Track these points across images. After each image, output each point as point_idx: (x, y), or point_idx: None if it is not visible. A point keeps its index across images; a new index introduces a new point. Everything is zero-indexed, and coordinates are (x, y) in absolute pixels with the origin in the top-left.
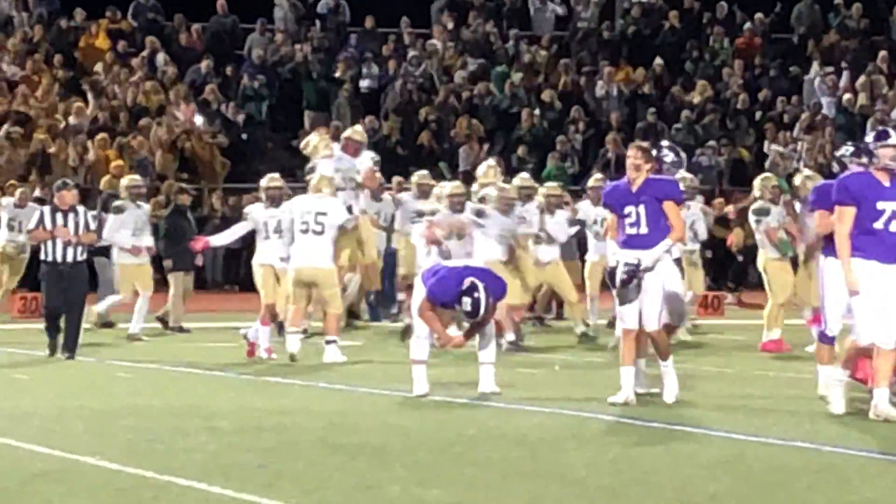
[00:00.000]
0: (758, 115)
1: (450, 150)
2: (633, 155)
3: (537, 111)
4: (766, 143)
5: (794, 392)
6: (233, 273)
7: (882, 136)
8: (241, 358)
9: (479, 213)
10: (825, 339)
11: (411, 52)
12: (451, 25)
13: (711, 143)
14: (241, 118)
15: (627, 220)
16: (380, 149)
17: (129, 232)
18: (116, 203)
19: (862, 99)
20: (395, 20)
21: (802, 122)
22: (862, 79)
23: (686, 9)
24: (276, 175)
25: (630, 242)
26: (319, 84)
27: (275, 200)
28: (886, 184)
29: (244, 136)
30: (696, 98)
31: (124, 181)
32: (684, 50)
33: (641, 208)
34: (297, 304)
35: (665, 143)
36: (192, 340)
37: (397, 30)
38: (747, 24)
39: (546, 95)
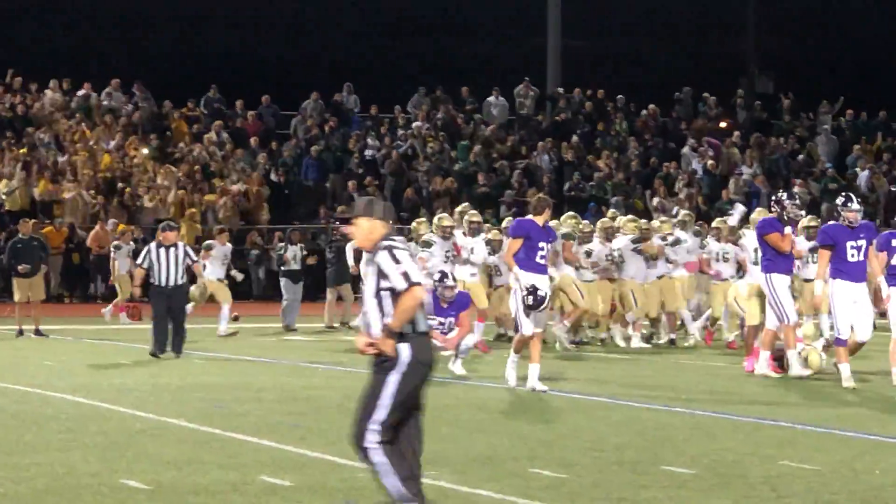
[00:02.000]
0: (647, 176)
1: (428, 201)
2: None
3: (491, 174)
4: (654, 198)
5: (679, 374)
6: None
7: (847, 201)
8: (279, 349)
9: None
10: (840, 342)
11: (401, 131)
12: (429, 111)
13: (616, 198)
14: (282, 178)
15: (540, 252)
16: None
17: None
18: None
19: (721, 166)
20: (391, 108)
21: (680, 182)
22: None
23: (598, 100)
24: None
25: (540, 269)
26: (336, 154)
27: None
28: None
29: (286, 191)
30: (603, 164)
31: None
32: (596, 129)
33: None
34: None
35: (785, 195)
36: (247, 337)
37: (392, 115)
38: (642, 112)
39: (496, 163)
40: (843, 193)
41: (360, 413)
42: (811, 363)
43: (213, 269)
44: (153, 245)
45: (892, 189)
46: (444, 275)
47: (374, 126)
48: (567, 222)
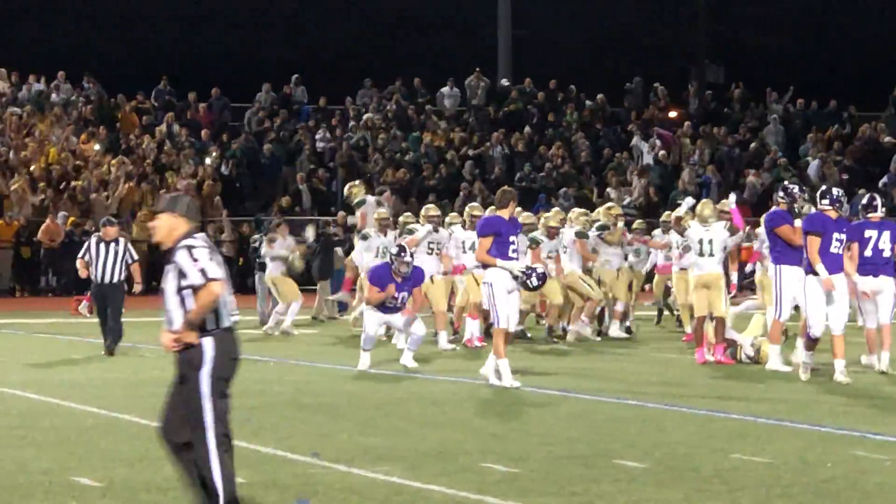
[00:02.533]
0: (598, 167)
1: (380, 193)
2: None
3: (442, 166)
4: (606, 189)
5: (630, 366)
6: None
7: (823, 194)
8: None
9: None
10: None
11: (351, 123)
12: (379, 103)
13: (567, 189)
14: (233, 171)
15: (511, 246)
16: (321, 193)
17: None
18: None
19: (672, 157)
20: (342, 100)
21: (631, 172)
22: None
23: (549, 90)
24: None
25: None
26: (288, 146)
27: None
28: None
29: (238, 184)
30: (555, 154)
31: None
32: (547, 120)
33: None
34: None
35: (795, 187)
36: None
37: (342, 107)
38: (589, 102)
39: (448, 155)
40: (824, 187)
41: (170, 408)
42: (763, 354)
43: (274, 265)
44: (94, 239)
45: (844, 178)
46: (401, 249)
47: (325, 118)
48: (579, 219)
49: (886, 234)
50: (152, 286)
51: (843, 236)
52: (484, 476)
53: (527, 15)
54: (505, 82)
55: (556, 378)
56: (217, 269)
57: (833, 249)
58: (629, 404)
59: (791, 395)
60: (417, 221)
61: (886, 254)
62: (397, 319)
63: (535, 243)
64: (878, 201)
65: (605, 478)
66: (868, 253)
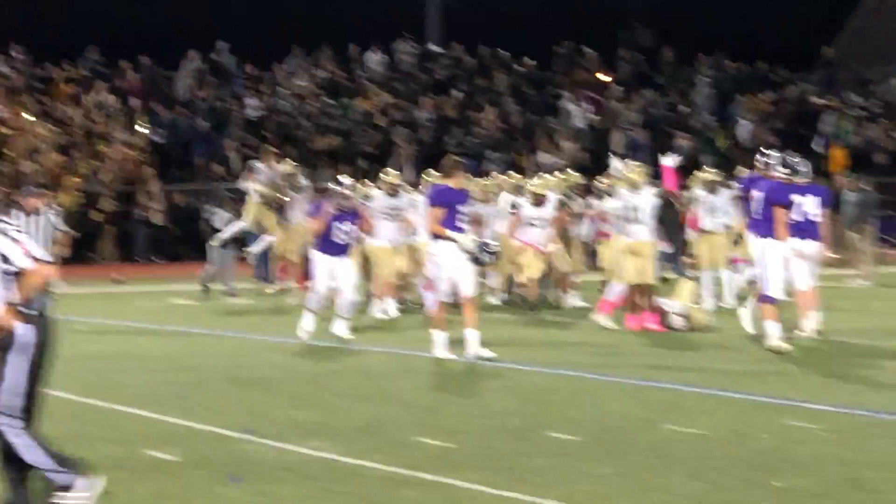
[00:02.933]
0: (529, 131)
1: (311, 161)
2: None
3: (372, 132)
4: (537, 153)
5: (563, 334)
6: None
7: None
8: (164, 314)
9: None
10: (767, 299)
11: (281, 89)
12: (309, 69)
13: (498, 154)
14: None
15: (459, 216)
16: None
17: None
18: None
19: (603, 120)
20: (270, 66)
21: (561, 135)
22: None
23: (479, 55)
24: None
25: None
26: (217, 112)
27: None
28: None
29: (168, 152)
30: (485, 119)
31: None
32: (476, 85)
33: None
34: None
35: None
36: (130, 301)
37: (272, 72)
38: (518, 66)
39: (378, 120)
40: (788, 153)
41: None
42: (694, 320)
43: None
44: (14, 211)
45: (773, 140)
46: (338, 183)
47: (254, 85)
48: (560, 185)
49: (811, 199)
50: (85, 256)
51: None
52: (417, 451)
53: None
54: (435, 48)
55: (490, 349)
56: (41, 250)
57: (794, 215)
58: (562, 374)
59: (723, 363)
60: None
61: (812, 218)
62: (342, 273)
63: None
64: (805, 165)
65: (539, 452)
66: (796, 217)
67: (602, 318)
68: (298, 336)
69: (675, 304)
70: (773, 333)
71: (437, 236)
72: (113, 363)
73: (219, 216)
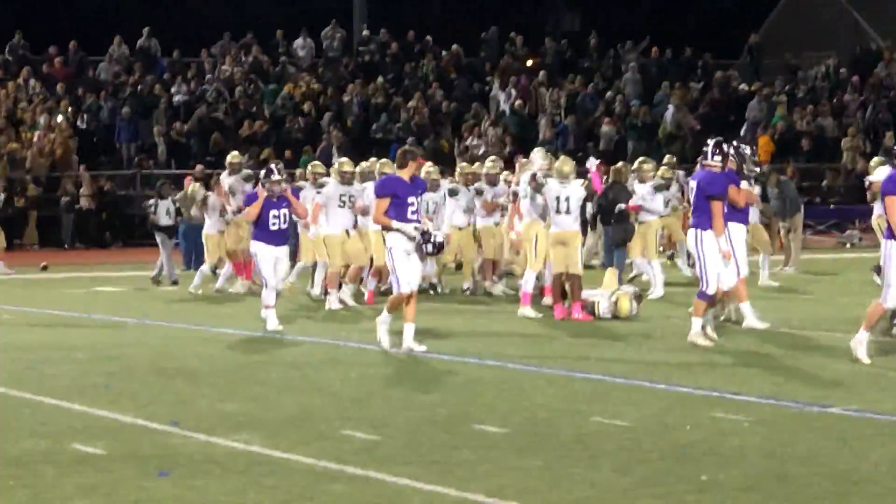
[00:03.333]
0: (455, 117)
1: (238, 146)
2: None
3: (299, 118)
4: (464, 140)
5: (490, 324)
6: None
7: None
8: (91, 302)
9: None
10: (704, 296)
11: (208, 75)
12: (235, 55)
13: (425, 141)
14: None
15: (410, 208)
16: (180, 147)
17: None
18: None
19: (529, 106)
20: (197, 52)
21: (486, 122)
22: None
23: (406, 41)
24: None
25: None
26: (142, 100)
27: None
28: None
29: (94, 138)
30: (412, 105)
31: None
32: (404, 71)
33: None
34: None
35: (748, 149)
36: (56, 288)
37: (199, 59)
38: (445, 53)
39: (305, 106)
40: (736, 142)
41: None
42: (621, 308)
43: (212, 223)
44: None
45: (698, 127)
46: (269, 171)
47: (180, 71)
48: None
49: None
50: (13, 244)
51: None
52: (344, 444)
53: None
54: (365, 33)
55: (418, 339)
56: None
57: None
58: (489, 365)
59: (649, 354)
60: (327, 175)
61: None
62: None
63: (478, 193)
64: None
65: (466, 444)
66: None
67: (526, 310)
68: (269, 331)
69: (599, 291)
70: (697, 329)
71: (384, 227)
72: (39, 353)
73: (161, 206)
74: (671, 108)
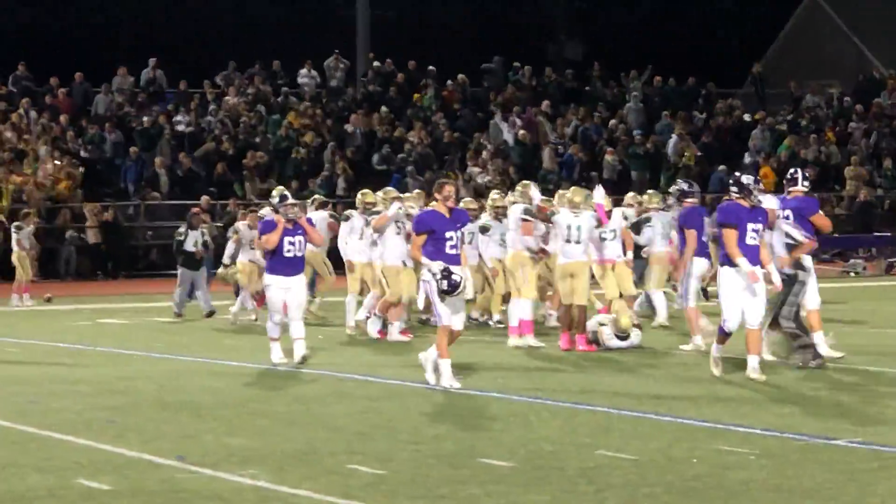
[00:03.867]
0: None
1: (240, 176)
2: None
3: (303, 149)
4: (467, 170)
5: (494, 356)
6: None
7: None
8: (95, 334)
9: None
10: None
11: (212, 106)
12: (239, 87)
13: (427, 173)
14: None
15: (449, 243)
16: (186, 178)
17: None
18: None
19: (532, 136)
20: (200, 83)
21: (489, 152)
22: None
23: (409, 71)
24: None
25: (453, 260)
26: (149, 130)
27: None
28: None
29: (98, 166)
30: (414, 136)
31: None
32: (407, 101)
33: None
34: None
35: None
36: (60, 320)
37: (202, 90)
38: (449, 82)
39: (308, 137)
40: (748, 174)
41: None
42: (622, 326)
43: (243, 253)
44: None
45: (699, 155)
46: (284, 196)
47: (184, 101)
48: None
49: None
50: (12, 274)
51: (759, 226)
52: (350, 479)
53: None
54: (375, 64)
55: (421, 371)
56: None
57: (749, 241)
58: (494, 397)
59: (654, 386)
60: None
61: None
62: (294, 294)
63: (483, 230)
64: (695, 187)
65: (472, 479)
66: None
67: (530, 339)
68: (275, 364)
69: (597, 318)
70: (753, 365)
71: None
72: (44, 387)
73: (191, 237)
74: (674, 137)
